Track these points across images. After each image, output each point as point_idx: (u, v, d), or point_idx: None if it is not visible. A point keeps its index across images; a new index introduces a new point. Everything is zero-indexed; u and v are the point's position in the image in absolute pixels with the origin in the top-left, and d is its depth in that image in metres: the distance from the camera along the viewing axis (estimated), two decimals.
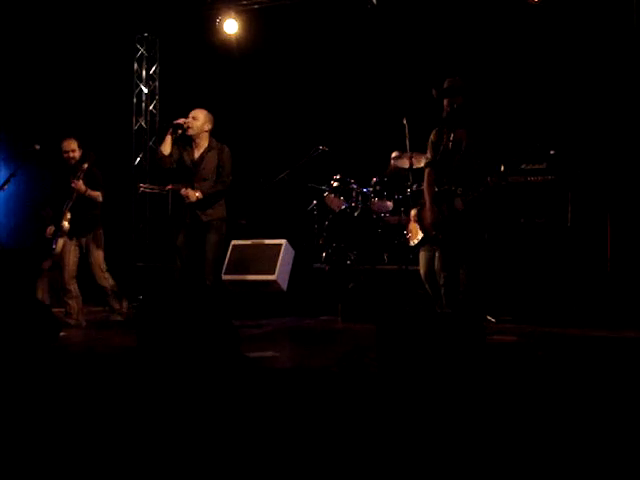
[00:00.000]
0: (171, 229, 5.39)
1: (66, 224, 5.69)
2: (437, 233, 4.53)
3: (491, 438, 2.47)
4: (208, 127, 5.20)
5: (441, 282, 4.57)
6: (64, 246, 5.73)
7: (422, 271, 4.69)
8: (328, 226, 7.44)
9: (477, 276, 4.50)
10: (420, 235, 4.80)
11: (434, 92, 4.54)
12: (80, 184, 5.62)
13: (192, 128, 5.12)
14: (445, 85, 4.56)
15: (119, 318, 5.86)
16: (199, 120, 5.14)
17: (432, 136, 4.69)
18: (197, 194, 5.06)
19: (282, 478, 2.22)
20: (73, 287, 5.81)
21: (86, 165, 5.77)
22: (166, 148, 5.08)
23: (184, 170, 5.15)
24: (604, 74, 7.05)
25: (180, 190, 5.12)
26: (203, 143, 5.18)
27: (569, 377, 3.50)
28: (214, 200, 5.15)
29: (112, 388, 3.20)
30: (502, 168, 4.54)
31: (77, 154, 5.82)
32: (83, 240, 5.79)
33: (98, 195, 5.76)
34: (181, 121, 5.11)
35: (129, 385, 3.23)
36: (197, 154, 5.17)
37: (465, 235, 4.46)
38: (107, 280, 5.86)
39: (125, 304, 6.08)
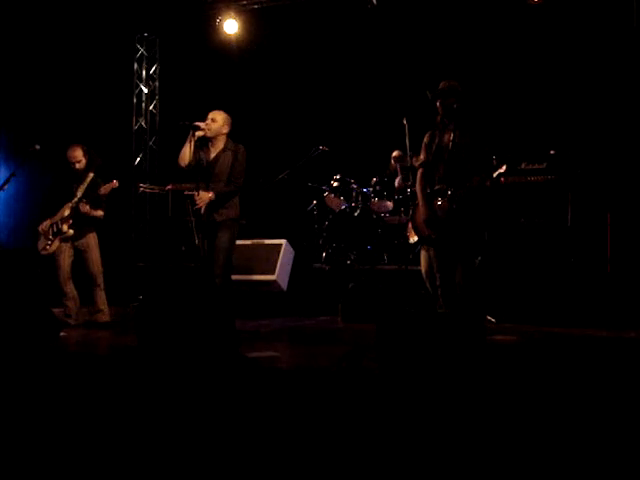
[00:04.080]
0: (189, 229, 5.35)
1: (70, 231, 5.69)
2: (429, 233, 4.56)
3: (491, 438, 2.47)
4: (226, 129, 5.16)
5: (437, 283, 4.58)
6: (57, 247, 5.72)
7: (423, 270, 4.70)
8: (328, 226, 7.44)
9: (473, 277, 4.51)
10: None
11: (428, 94, 4.58)
12: (87, 208, 5.64)
13: (210, 130, 5.09)
14: (440, 87, 4.60)
15: (106, 318, 5.81)
16: (218, 122, 5.11)
17: (425, 138, 4.73)
18: (210, 194, 5.03)
19: (282, 478, 2.22)
20: (69, 288, 5.77)
21: (91, 175, 5.77)
22: (185, 158, 5.04)
23: (200, 170, 5.13)
24: (604, 74, 7.06)
25: (194, 194, 5.08)
26: (219, 144, 5.15)
27: (569, 377, 3.50)
28: (226, 200, 5.13)
29: (112, 388, 3.20)
30: (503, 168, 4.55)
31: (83, 163, 5.79)
32: (78, 242, 5.77)
33: (101, 215, 5.75)
34: (202, 125, 5.06)
35: (129, 385, 3.23)
36: (213, 155, 5.15)
37: (458, 235, 4.48)
38: (101, 278, 5.82)
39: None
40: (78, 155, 5.76)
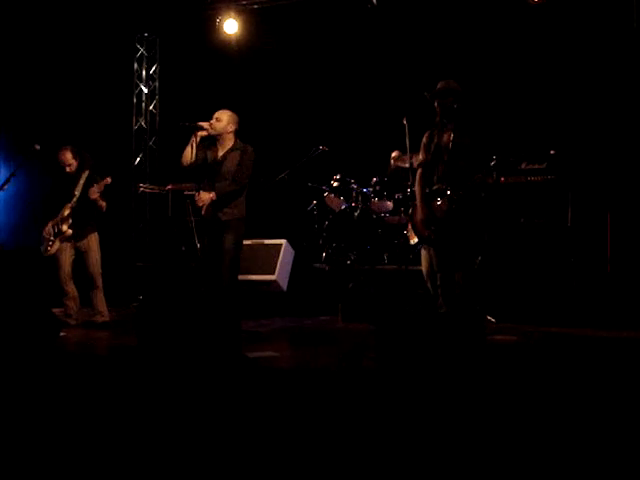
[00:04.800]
0: (189, 229, 5.33)
1: (69, 231, 5.70)
2: (429, 233, 4.55)
3: (491, 438, 2.47)
4: (232, 128, 5.14)
5: (437, 283, 4.57)
6: (58, 247, 5.72)
7: (424, 269, 4.70)
8: (328, 226, 7.45)
9: (473, 277, 4.51)
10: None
11: (426, 95, 4.59)
12: (96, 194, 5.66)
13: (215, 129, 5.08)
14: (437, 87, 4.61)
15: (105, 319, 5.80)
16: (222, 121, 5.09)
17: (424, 138, 4.73)
18: (210, 195, 5.01)
19: (282, 478, 2.22)
20: (70, 288, 5.78)
21: (86, 172, 5.79)
22: (187, 158, 5.01)
23: (207, 169, 5.11)
24: (604, 74, 7.05)
25: (194, 194, 5.06)
26: (227, 143, 5.13)
27: (569, 377, 3.50)
28: (230, 199, 5.10)
29: (112, 388, 3.20)
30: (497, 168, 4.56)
31: (74, 164, 5.83)
32: (79, 242, 5.78)
33: (104, 206, 5.77)
34: (205, 125, 5.05)
35: (129, 385, 3.23)
36: (221, 153, 5.13)
37: (458, 235, 4.47)
38: (100, 280, 5.82)
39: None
40: (68, 158, 5.82)
